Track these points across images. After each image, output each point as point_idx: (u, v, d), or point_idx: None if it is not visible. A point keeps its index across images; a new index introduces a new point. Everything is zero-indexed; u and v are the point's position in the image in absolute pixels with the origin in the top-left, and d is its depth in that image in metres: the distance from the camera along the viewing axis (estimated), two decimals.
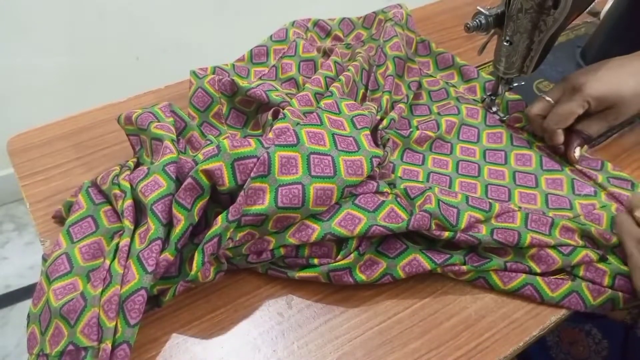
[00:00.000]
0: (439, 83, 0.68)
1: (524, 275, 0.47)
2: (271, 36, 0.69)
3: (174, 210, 0.42)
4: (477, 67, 0.71)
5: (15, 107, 1.33)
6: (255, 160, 0.44)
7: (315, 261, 0.46)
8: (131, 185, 0.46)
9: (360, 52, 0.64)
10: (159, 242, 0.41)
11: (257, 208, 0.44)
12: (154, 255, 0.41)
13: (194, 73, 0.60)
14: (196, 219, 0.44)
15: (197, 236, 0.45)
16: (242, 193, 0.43)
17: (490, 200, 0.52)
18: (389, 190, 0.50)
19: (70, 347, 0.38)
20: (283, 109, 0.53)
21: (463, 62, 0.70)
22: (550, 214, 0.52)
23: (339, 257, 0.46)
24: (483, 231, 0.47)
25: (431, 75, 0.70)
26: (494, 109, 0.64)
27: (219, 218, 0.42)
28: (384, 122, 0.57)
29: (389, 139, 0.56)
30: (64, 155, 0.60)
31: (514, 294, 0.47)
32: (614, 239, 0.48)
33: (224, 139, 0.47)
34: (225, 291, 0.47)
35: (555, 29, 0.53)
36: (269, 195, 0.44)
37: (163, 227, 0.42)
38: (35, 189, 0.56)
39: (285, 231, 0.46)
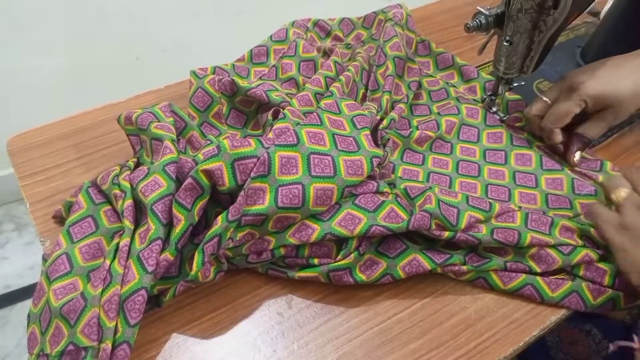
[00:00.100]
0: (439, 83, 0.68)
1: (524, 275, 0.47)
2: (271, 36, 0.69)
3: (174, 210, 0.42)
4: (477, 67, 0.71)
5: (15, 107, 1.33)
6: (255, 160, 0.44)
7: (315, 261, 0.46)
8: (131, 185, 0.46)
9: (360, 52, 0.64)
10: (159, 242, 0.41)
11: (257, 208, 0.44)
12: (154, 255, 0.41)
13: (194, 73, 0.60)
14: (196, 219, 0.44)
15: (197, 236, 0.45)
16: (242, 193, 0.43)
17: (490, 200, 0.52)
18: (389, 190, 0.50)
19: (71, 347, 0.38)
20: (283, 109, 0.53)
21: (463, 62, 0.70)
22: (551, 214, 0.52)
23: (339, 257, 0.46)
24: (483, 231, 0.47)
25: (431, 75, 0.70)
26: (494, 109, 0.64)
27: (219, 218, 0.42)
28: (384, 122, 0.57)
29: (389, 139, 0.56)
30: (64, 155, 0.60)
31: (514, 294, 0.47)
32: None
33: (224, 139, 0.47)
34: (225, 291, 0.47)
35: (555, 29, 0.53)
36: (269, 195, 0.44)
37: (163, 227, 0.42)
38: (35, 189, 0.56)
39: (285, 231, 0.46)
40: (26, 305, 1.27)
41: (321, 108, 0.53)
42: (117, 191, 0.46)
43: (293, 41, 0.66)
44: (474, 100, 0.66)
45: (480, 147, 0.61)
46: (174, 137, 0.48)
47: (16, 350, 1.20)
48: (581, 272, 0.48)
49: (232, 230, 0.43)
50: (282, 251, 0.46)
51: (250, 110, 0.59)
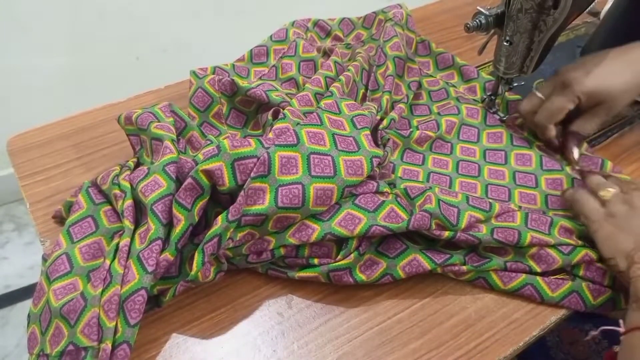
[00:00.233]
0: (439, 83, 0.68)
1: (524, 275, 0.47)
2: (271, 36, 0.69)
3: (174, 210, 0.42)
4: (477, 67, 0.71)
5: (15, 107, 1.33)
6: (255, 160, 0.44)
7: (315, 261, 0.46)
8: (131, 185, 0.46)
9: (360, 52, 0.64)
10: (159, 242, 0.41)
11: (257, 208, 0.44)
12: (154, 255, 0.41)
13: (194, 73, 0.60)
14: (196, 219, 0.44)
15: (197, 236, 0.45)
16: (242, 193, 0.43)
17: (490, 200, 0.52)
18: (389, 190, 0.50)
19: (71, 347, 0.38)
20: (283, 109, 0.53)
21: (463, 62, 0.70)
22: (550, 214, 0.52)
23: (339, 257, 0.46)
24: (483, 230, 0.47)
25: (431, 75, 0.70)
26: (494, 109, 0.64)
27: (219, 218, 0.42)
28: (384, 122, 0.57)
29: (389, 139, 0.56)
30: (64, 155, 0.60)
31: (514, 294, 0.47)
32: None
33: (224, 139, 0.47)
34: (225, 291, 0.47)
35: (555, 29, 0.53)
36: (269, 195, 0.44)
37: (163, 227, 0.42)
38: (35, 189, 0.56)
39: (285, 231, 0.46)
40: (26, 305, 1.27)
41: (321, 108, 0.53)
42: (117, 191, 0.46)
43: (293, 41, 0.66)
44: (474, 100, 0.66)
45: (480, 147, 0.61)
46: (174, 137, 0.48)
47: (16, 350, 1.20)
48: (581, 272, 0.48)
49: (232, 230, 0.43)
50: (282, 251, 0.46)
51: (250, 110, 0.59)
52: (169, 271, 0.44)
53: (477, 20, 0.57)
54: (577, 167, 0.57)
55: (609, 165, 0.57)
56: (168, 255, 0.41)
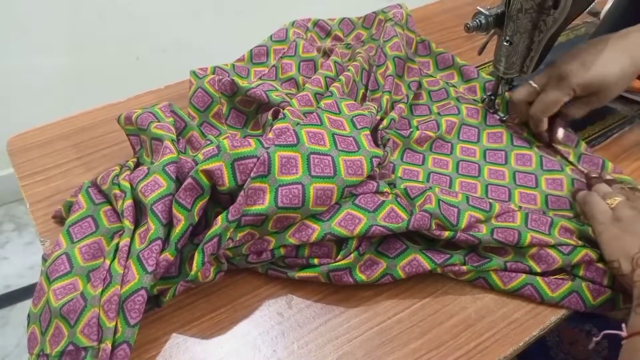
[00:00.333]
0: (439, 83, 0.68)
1: (524, 275, 0.47)
2: (271, 36, 0.69)
3: (174, 210, 0.42)
4: (477, 67, 0.71)
5: (15, 107, 1.33)
6: (255, 160, 0.44)
7: (315, 261, 0.46)
8: (131, 185, 0.46)
9: (360, 52, 0.64)
10: (159, 242, 0.41)
11: (257, 208, 0.44)
12: (154, 255, 0.41)
13: (194, 73, 0.60)
14: (196, 219, 0.44)
15: (197, 236, 0.45)
16: (242, 193, 0.43)
17: (490, 200, 0.52)
18: (389, 190, 0.50)
19: (71, 347, 0.38)
20: (283, 109, 0.53)
21: (463, 62, 0.70)
22: (550, 214, 0.52)
23: (339, 257, 0.46)
24: (483, 230, 0.47)
25: (431, 75, 0.70)
26: (494, 109, 0.64)
27: (219, 218, 0.42)
28: (384, 122, 0.57)
29: (389, 139, 0.56)
30: (64, 155, 0.60)
31: (514, 294, 0.47)
32: None
33: (224, 139, 0.47)
34: (225, 291, 0.47)
35: (555, 29, 0.53)
36: (269, 195, 0.44)
37: (163, 227, 0.42)
38: (35, 189, 0.56)
39: (285, 231, 0.46)
40: (26, 305, 1.27)
41: (321, 108, 0.53)
42: (117, 191, 0.46)
43: (293, 41, 0.66)
44: (474, 100, 0.66)
45: (480, 147, 0.61)
46: (174, 137, 0.48)
47: (16, 350, 1.20)
48: (581, 272, 0.48)
49: (232, 230, 0.43)
50: (282, 251, 0.46)
51: (250, 110, 0.59)
52: (169, 271, 0.44)
53: (477, 20, 0.57)
54: (581, 169, 0.57)
55: (609, 166, 0.57)
56: (168, 255, 0.41)
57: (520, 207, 0.53)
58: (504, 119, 0.63)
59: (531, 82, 0.59)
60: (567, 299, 0.47)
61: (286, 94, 0.59)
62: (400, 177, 0.56)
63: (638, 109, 0.66)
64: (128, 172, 0.48)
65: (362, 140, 0.50)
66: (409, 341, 0.44)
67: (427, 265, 0.46)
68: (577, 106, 0.58)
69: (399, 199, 0.49)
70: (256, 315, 0.46)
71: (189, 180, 0.43)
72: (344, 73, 0.59)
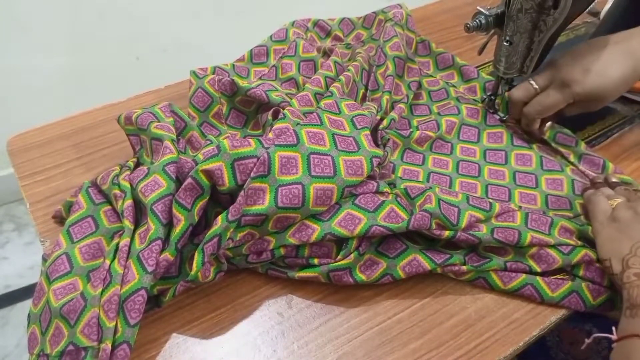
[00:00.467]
0: (439, 83, 0.68)
1: (524, 275, 0.47)
2: (271, 36, 0.69)
3: (174, 210, 0.42)
4: (477, 67, 0.71)
5: (15, 107, 1.33)
6: (255, 160, 0.44)
7: (315, 261, 0.46)
8: (131, 185, 0.46)
9: (360, 52, 0.64)
10: (159, 242, 0.41)
11: (257, 208, 0.44)
12: (154, 255, 0.41)
13: (194, 73, 0.60)
14: (196, 219, 0.44)
15: (197, 236, 0.45)
16: (242, 193, 0.43)
17: (490, 200, 0.52)
18: (389, 190, 0.50)
19: (71, 347, 0.38)
20: (283, 109, 0.53)
21: (463, 62, 0.70)
22: (551, 214, 0.52)
23: (339, 257, 0.46)
24: (483, 230, 0.47)
25: (431, 75, 0.70)
26: (494, 109, 0.64)
27: (219, 218, 0.42)
28: (384, 122, 0.57)
29: (389, 139, 0.56)
30: (64, 155, 0.60)
31: (514, 294, 0.47)
32: None
33: (224, 139, 0.47)
34: (225, 291, 0.47)
35: (555, 29, 0.53)
36: (269, 195, 0.44)
37: (163, 227, 0.42)
38: (35, 189, 0.56)
39: (285, 231, 0.46)
40: (26, 305, 1.27)
41: (321, 108, 0.53)
42: (117, 191, 0.46)
43: (293, 41, 0.66)
44: (474, 100, 0.66)
45: (480, 147, 0.61)
46: (174, 137, 0.48)
47: (16, 350, 1.20)
48: (581, 272, 0.48)
49: (232, 230, 0.43)
50: (282, 251, 0.46)
51: (250, 110, 0.59)
52: (169, 271, 0.44)
53: (477, 20, 0.57)
54: (582, 169, 0.57)
55: (610, 166, 0.57)
56: (168, 255, 0.41)
57: (520, 207, 0.53)
58: (504, 119, 0.63)
59: (532, 82, 0.59)
60: (567, 299, 0.47)
61: (286, 94, 0.59)
62: (400, 177, 0.56)
63: (638, 109, 0.66)
64: (128, 172, 0.48)
65: (362, 140, 0.50)
66: (409, 341, 0.44)
67: (427, 265, 0.46)
68: (573, 108, 0.58)
69: (399, 199, 0.49)
70: (256, 315, 0.46)
71: (189, 180, 0.43)
72: (344, 73, 0.59)
